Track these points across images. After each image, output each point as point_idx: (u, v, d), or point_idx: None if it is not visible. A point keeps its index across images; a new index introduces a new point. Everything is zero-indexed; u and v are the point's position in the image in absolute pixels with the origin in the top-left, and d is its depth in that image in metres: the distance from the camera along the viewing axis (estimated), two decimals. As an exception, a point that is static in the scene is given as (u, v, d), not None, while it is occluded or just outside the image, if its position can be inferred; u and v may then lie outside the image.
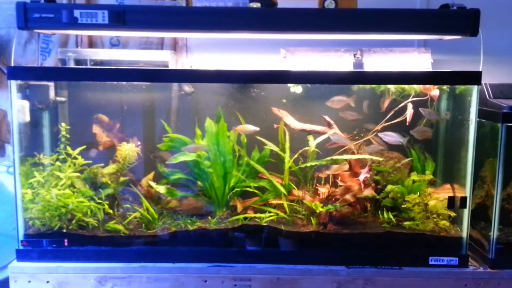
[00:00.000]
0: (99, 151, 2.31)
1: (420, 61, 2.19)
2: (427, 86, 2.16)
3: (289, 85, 2.18)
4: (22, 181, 2.10)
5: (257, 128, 2.22)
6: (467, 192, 2.07)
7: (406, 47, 2.24)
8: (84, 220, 2.15)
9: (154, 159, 2.36)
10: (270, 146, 2.29)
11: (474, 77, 1.99)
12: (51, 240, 2.10)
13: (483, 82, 2.05)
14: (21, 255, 2.10)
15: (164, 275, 2.07)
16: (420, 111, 2.20)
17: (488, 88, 2.18)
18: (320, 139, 2.26)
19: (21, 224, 2.11)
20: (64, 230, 2.13)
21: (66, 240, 2.10)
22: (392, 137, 2.17)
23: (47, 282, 2.06)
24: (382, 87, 2.23)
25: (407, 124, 2.18)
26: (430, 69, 2.19)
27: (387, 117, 2.23)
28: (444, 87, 2.23)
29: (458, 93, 2.19)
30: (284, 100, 2.31)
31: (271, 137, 2.31)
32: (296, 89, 2.21)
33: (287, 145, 2.27)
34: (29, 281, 2.06)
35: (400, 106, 2.20)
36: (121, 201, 2.29)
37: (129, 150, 2.29)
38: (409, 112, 2.18)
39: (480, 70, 1.98)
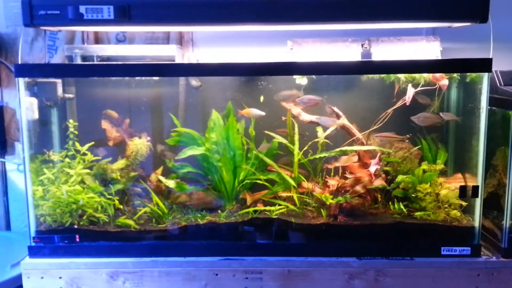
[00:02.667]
0: (108, 147, 2.32)
1: (429, 49, 2.17)
2: (437, 75, 2.14)
3: (295, 76, 2.17)
4: (32, 178, 2.12)
5: (263, 113, 2.21)
6: (479, 181, 2.05)
7: (414, 36, 2.22)
8: (95, 216, 2.16)
9: (163, 157, 2.36)
10: (279, 139, 2.28)
11: (484, 65, 1.96)
12: (63, 236, 2.11)
13: (493, 69, 2.02)
14: (33, 252, 2.11)
15: (175, 269, 2.08)
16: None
17: (499, 75, 2.15)
18: (329, 131, 2.25)
19: (33, 221, 2.12)
20: (75, 226, 2.14)
21: (77, 236, 2.11)
22: (310, 99, 2.18)
23: (60, 278, 2.07)
24: (393, 77, 2.21)
25: (407, 104, 2.16)
26: (439, 57, 2.16)
27: (395, 106, 2.22)
28: (454, 75, 2.21)
29: (469, 81, 2.16)
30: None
31: (279, 129, 2.30)
32: (302, 80, 2.20)
33: (296, 137, 2.26)
34: (42, 277, 2.07)
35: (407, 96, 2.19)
36: (131, 197, 2.30)
37: (140, 144, 2.29)
38: (410, 94, 2.15)
39: (491, 57, 1.95)
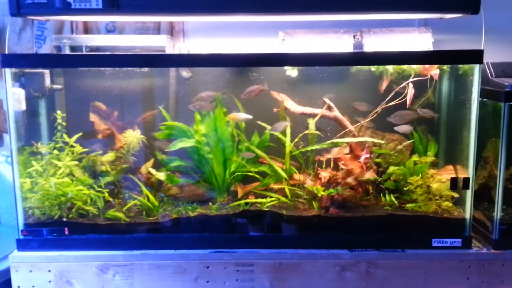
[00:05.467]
0: (97, 139, 2.29)
1: (421, 40, 2.16)
2: (427, 66, 2.13)
3: (285, 68, 2.16)
4: (20, 170, 2.09)
5: (250, 116, 2.20)
6: (469, 173, 2.05)
7: (406, 27, 2.21)
8: (84, 209, 2.14)
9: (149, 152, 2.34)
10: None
11: (475, 56, 1.95)
12: (52, 229, 2.09)
13: (485, 61, 2.01)
14: (22, 245, 2.09)
15: (166, 262, 2.06)
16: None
17: (490, 67, 2.14)
18: (315, 120, 2.24)
19: (21, 214, 2.10)
20: (64, 219, 2.12)
21: (66, 229, 2.09)
22: (253, 89, 2.18)
23: (49, 271, 2.05)
24: (381, 68, 2.20)
25: (407, 106, 2.16)
26: (431, 49, 2.15)
27: (387, 99, 2.22)
28: (445, 66, 2.20)
29: (460, 73, 2.15)
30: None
31: (270, 121, 2.28)
32: (292, 72, 2.18)
33: (288, 129, 2.24)
34: (31, 271, 2.05)
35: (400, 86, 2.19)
36: (121, 189, 2.28)
37: (132, 137, 2.27)
38: (410, 94, 2.15)
39: (482, 48, 1.95)
